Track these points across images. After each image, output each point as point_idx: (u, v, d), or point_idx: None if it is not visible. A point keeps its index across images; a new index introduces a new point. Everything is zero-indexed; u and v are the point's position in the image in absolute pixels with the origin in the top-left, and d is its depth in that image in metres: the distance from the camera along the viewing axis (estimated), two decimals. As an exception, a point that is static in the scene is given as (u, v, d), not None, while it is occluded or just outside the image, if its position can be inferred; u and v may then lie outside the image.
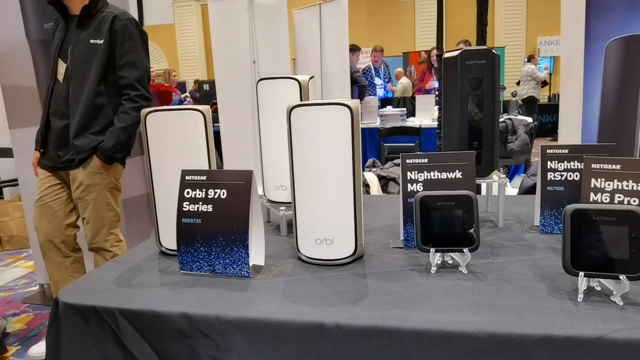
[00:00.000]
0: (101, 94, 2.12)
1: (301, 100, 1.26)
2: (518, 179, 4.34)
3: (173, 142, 1.15)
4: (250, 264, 1.03)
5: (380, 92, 7.19)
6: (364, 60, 9.15)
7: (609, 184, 1.04)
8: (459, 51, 1.28)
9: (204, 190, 1.05)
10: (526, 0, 11.70)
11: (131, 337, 0.91)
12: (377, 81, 7.19)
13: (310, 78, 1.29)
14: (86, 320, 0.94)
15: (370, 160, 3.72)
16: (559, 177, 1.20)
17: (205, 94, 7.45)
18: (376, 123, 5.33)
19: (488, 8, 3.00)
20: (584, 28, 2.19)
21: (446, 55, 1.35)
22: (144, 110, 1.15)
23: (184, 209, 1.06)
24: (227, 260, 1.04)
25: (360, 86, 5.55)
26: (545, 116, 9.69)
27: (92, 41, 2.10)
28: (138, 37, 2.15)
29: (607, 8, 2.13)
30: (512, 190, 2.80)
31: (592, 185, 1.06)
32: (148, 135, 1.16)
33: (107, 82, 2.13)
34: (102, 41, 2.09)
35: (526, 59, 10.35)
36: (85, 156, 2.13)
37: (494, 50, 1.28)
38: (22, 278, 3.56)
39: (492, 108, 1.29)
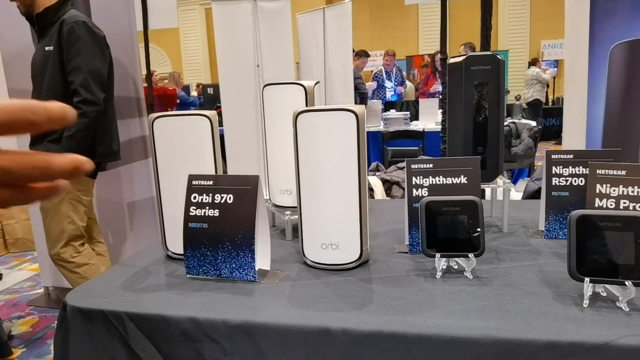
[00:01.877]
0: (58, 101, 2.11)
1: (307, 105, 1.27)
2: (522, 183, 4.33)
3: (180, 147, 1.16)
4: (256, 269, 1.04)
5: (389, 94, 7.21)
6: (372, 64, 9.16)
7: (614, 190, 1.04)
8: (464, 57, 1.29)
9: (210, 195, 1.06)
10: (530, 3, 11.68)
11: (138, 340, 0.92)
12: (388, 84, 7.22)
13: (316, 83, 1.30)
14: (94, 323, 0.95)
15: (373, 164, 3.72)
16: (564, 183, 1.20)
17: (209, 98, 7.47)
18: (379, 127, 5.33)
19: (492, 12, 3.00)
20: (588, 32, 2.19)
21: (451, 60, 1.36)
22: (151, 116, 1.16)
23: (190, 213, 1.06)
24: (234, 265, 1.04)
25: (360, 93, 5.53)
26: (550, 120, 9.67)
27: (46, 49, 2.04)
28: (87, 39, 2.04)
29: (612, 12, 2.13)
30: (516, 194, 2.79)
31: (597, 191, 1.06)
32: (155, 140, 1.17)
33: (65, 90, 2.04)
34: (52, 48, 2.02)
35: (530, 64, 10.34)
36: None
37: (498, 56, 1.28)
38: (27, 280, 3.58)
39: (496, 113, 1.30)
